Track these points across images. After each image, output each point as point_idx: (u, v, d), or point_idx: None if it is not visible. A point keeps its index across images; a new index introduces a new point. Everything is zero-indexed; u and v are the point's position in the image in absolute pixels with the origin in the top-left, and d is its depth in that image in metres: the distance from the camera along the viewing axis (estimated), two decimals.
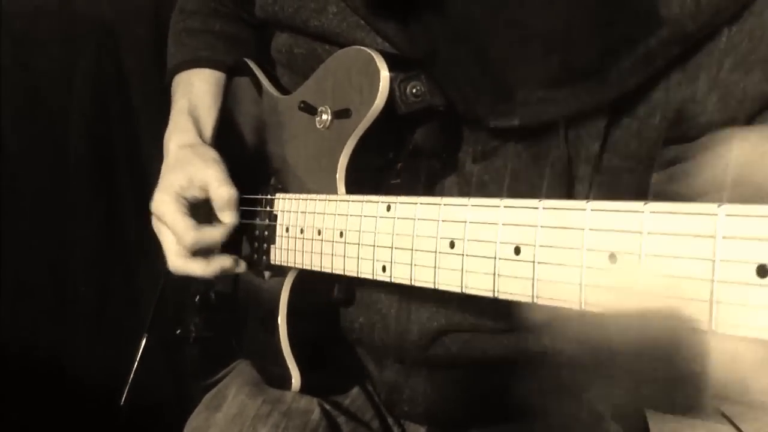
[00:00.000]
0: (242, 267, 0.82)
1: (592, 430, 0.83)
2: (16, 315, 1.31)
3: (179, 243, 0.77)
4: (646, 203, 0.38)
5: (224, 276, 0.82)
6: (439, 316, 0.74)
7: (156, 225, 0.80)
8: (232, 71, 0.96)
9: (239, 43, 0.98)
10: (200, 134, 0.88)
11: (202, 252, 0.78)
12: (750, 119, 0.62)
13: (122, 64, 1.38)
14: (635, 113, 0.63)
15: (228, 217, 0.78)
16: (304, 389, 0.77)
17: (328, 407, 0.82)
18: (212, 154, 0.83)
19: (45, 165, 1.40)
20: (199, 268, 0.78)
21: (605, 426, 0.85)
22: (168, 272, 1.04)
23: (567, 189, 0.65)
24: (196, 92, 0.93)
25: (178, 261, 0.79)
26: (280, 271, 0.78)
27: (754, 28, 0.58)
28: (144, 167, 1.40)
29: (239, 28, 0.99)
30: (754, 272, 0.32)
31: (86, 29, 1.35)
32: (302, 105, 0.72)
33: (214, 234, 0.77)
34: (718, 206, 0.34)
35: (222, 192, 0.77)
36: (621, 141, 0.66)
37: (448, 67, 0.64)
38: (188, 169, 0.80)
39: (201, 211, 0.80)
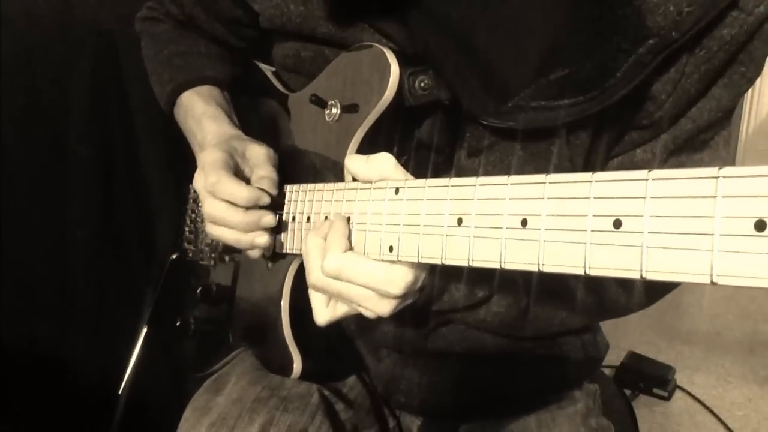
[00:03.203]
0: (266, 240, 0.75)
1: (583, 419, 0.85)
2: (16, 313, 1.31)
3: (201, 171, 0.74)
4: (649, 171, 0.40)
5: (256, 246, 0.76)
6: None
7: (197, 177, 0.76)
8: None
9: (230, 60, 0.97)
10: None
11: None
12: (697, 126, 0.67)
13: (121, 66, 1.40)
14: (623, 115, 0.67)
15: (266, 183, 0.75)
16: (305, 375, 0.78)
17: (326, 393, 0.83)
18: (265, 144, 0.81)
19: (44, 165, 1.41)
20: (236, 216, 0.73)
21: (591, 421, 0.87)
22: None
23: None
24: (221, 101, 0.90)
25: (214, 203, 0.73)
26: (284, 260, 0.80)
27: (710, 41, 0.61)
28: (142, 167, 1.42)
29: (221, 48, 0.97)
30: (752, 226, 0.34)
31: (85, 31, 1.37)
32: (313, 98, 0.75)
33: (241, 188, 0.72)
34: (719, 169, 0.36)
35: (269, 170, 0.77)
36: (610, 141, 0.69)
37: (440, 64, 0.66)
38: (246, 143, 0.79)
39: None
